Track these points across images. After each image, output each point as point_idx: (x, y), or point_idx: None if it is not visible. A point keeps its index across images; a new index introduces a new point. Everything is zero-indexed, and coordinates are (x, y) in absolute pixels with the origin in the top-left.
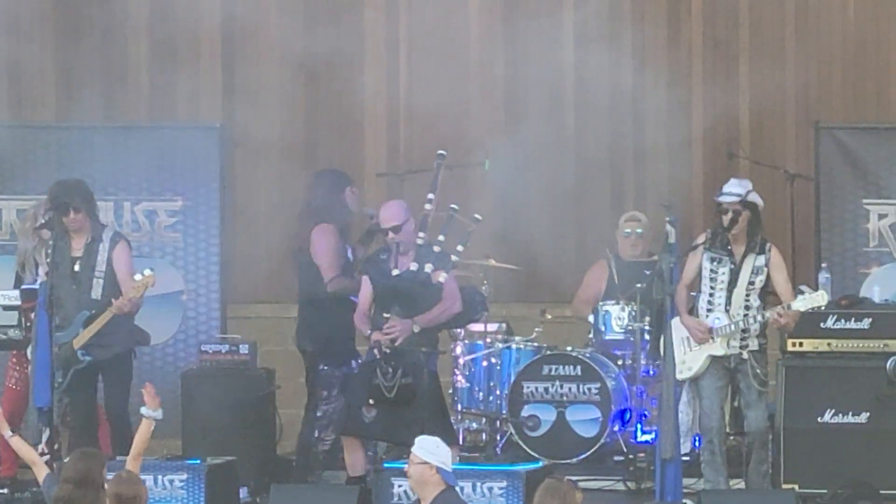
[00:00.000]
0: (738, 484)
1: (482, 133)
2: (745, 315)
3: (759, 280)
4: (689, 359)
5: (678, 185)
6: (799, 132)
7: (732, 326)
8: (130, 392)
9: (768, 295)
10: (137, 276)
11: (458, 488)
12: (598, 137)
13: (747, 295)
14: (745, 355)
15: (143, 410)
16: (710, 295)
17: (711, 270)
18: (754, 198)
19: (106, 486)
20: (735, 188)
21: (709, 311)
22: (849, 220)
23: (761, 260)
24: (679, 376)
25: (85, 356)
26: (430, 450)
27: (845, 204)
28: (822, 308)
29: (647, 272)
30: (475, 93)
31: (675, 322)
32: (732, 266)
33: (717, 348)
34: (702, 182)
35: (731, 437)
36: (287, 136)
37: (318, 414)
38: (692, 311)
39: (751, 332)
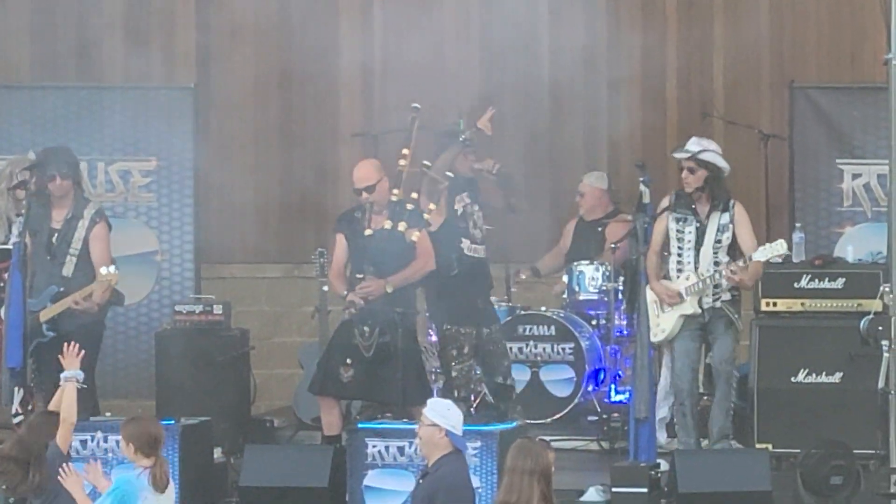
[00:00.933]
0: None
1: (457, 93)
2: (714, 272)
3: (726, 237)
4: (662, 321)
5: (652, 145)
6: (773, 92)
7: (701, 284)
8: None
9: (738, 252)
10: (102, 270)
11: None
12: (573, 99)
13: (715, 253)
14: (719, 304)
15: (63, 374)
16: (679, 255)
17: (678, 231)
18: (710, 157)
19: None
20: (691, 146)
21: (679, 271)
22: (823, 180)
23: (726, 217)
24: (653, 339)
25: (49, 332)
26: (440, 412)
27: (819, 164)
28: (783, 255)
29: (599, 230)
30: (450, 53)
31: (647, 288)
32: (698, 225)
33: (688, 307)
34: (676, 142)
35: (705, 398)
36: (261, 97)
37: (453, 374)
38: (666, 274)
39: (722, 286)
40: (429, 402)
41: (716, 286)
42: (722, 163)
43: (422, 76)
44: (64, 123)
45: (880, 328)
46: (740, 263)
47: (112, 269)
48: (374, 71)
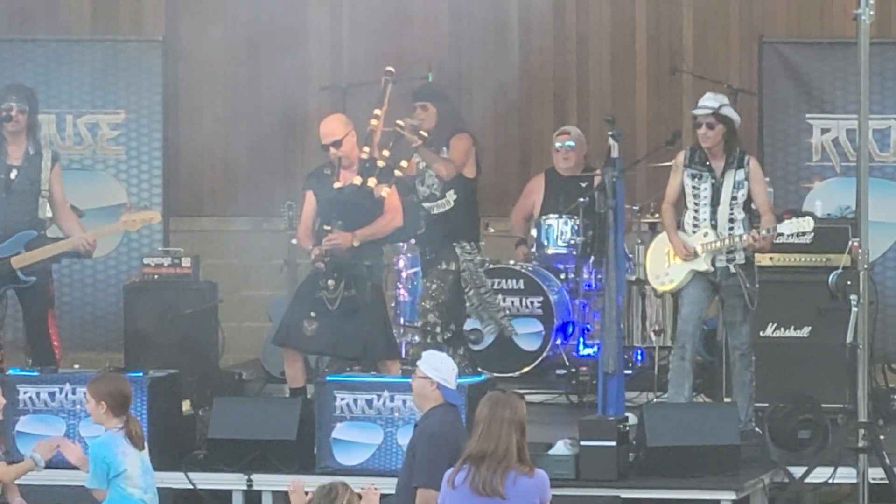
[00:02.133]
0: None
1: (425, 45)
2: (731, 229)
3: (742, 194)
4: (671, 271)
5: (621, 100)
6: (742, 46)
7: (718, 244)
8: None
9: (752, 207)
10: (144, 213)
11: (459, 407)
12: (542, 51)
13: (731, 209)
14: (733, 269)
15: (33, 454)
16: (695, 212)
17: (693, 187)
18: (728, 112)
19: None
20: (709, 101)
21: (695, 227)
22: (792, 135)
23: (741, 174)
24: (659, 287)
25: (29, 277)
26: (433, 365)
27: (788, 119)
28: (808, 233)
29: (583, 185)
30: (419, 4)
31: (662, 236)
32: (713, 182)
33: (701, 263)
34: (645, 96)
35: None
36: (230, 49)
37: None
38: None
39: (737, 245)
40: (423, 354)
41: (730, 249)
42: (736, 117)
43: (390, 28)
44: (32, 76)
45: (848, 283)
46: (763, 233)
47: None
48: (342, 23)
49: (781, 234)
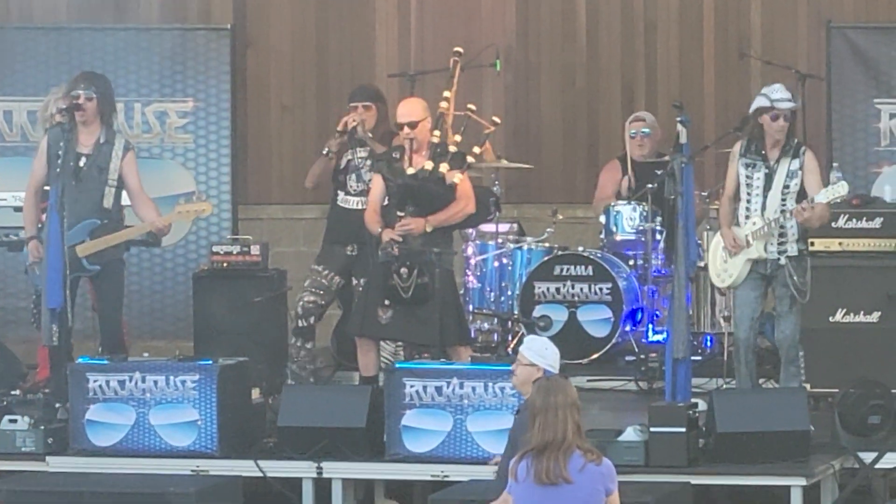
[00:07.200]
0: (766, 385)
1: (494, 33)
2: (781, 212)
3: (795, 184)
4: (729, 266)
5: (689, 86)
6: (810, 32)
7: (766, 228)
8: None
9: (805, 200)
10: (197, 204)
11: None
12: (610, 37)
13: (783, 199)
14: (783, 261)
15: None
16: (748, 201)
17: (747, 176)
18: (797, 104)
19: None
20: (786, 94)
21: (746, 217)
22: (860, 120)
23: (796, 164)
24: (720, 284)
25: (93, 265)
26: (538, 352)
27: (856, 104)
28: (845, 196)
29: (658, 172)
30: None
31: (719, 235)
32: (767, 171)
33: (753, 251)
34: (713, 82)
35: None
36: (298, 37)
37: None
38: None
39: (788, 236)
40: (525, 340)
41: (781, 233)
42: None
43: (458, 15)
44: (101, 65)
45: None
46: (804, 204)
47: (207, 202)
48: (410, 10)
49: (823, 203)
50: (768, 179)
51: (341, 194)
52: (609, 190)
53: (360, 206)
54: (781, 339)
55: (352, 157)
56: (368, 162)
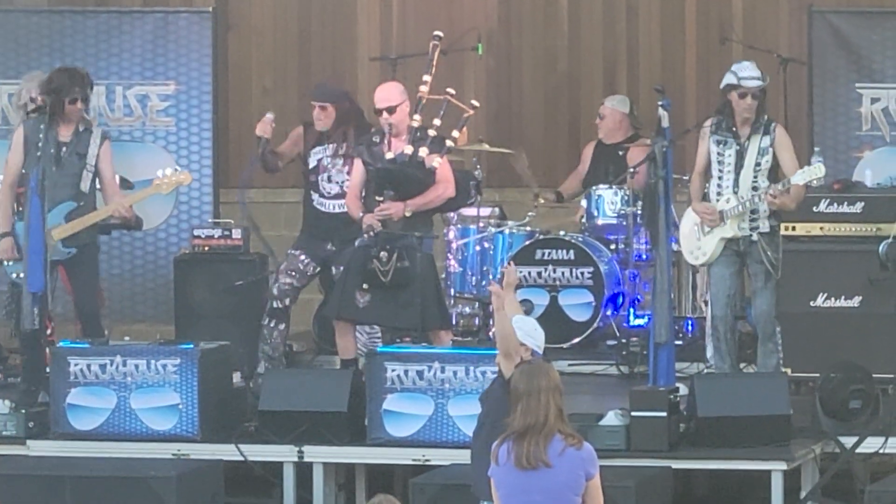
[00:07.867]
0: (747, 369)
1: (476, 16)
2: (753, 196)
3: (766, 161)
4: (703, 244)
5: (671, 69)
6: (792, 16)
7: (740, 207)
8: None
9: (779, 176)
10: (167, 171)
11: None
12: (592, 21)
13: (755, 176)
14: (755, 237)
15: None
16: (719, 178)
17: (718, 153)
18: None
19: None
20: (755, 72)
21: (718, 194)
22: (841, 105)
23: (766, 140)
24: (694, 262)
25: (69, 249)
26: (528, 332)
27: (838, 88)
28: (822, 178)
29: (620, 153)
30: None
31: (688, 210)
32: (738, 148)
33: (728, 230)
34: (694, 66)
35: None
36: (280, 20)
37: None
38: (706, 196)
39: (760, 213)
40: (514, 320)
41: (753, 212)
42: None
43: (439, 1)
44: (82, 47)
45: None
46: (779, 187)
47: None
48: None
49: (798, 185)
50: (739, 157)
51: (316, 196)
52: (580, 170)
53: (336, 210)
54: (758, 314)
55: (322, 157)
56: (339, 162)
